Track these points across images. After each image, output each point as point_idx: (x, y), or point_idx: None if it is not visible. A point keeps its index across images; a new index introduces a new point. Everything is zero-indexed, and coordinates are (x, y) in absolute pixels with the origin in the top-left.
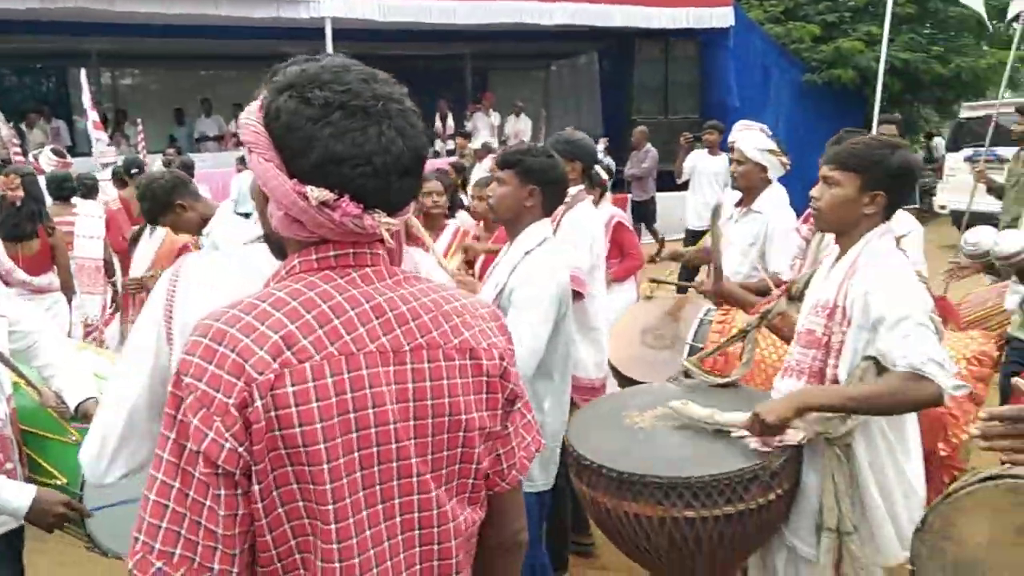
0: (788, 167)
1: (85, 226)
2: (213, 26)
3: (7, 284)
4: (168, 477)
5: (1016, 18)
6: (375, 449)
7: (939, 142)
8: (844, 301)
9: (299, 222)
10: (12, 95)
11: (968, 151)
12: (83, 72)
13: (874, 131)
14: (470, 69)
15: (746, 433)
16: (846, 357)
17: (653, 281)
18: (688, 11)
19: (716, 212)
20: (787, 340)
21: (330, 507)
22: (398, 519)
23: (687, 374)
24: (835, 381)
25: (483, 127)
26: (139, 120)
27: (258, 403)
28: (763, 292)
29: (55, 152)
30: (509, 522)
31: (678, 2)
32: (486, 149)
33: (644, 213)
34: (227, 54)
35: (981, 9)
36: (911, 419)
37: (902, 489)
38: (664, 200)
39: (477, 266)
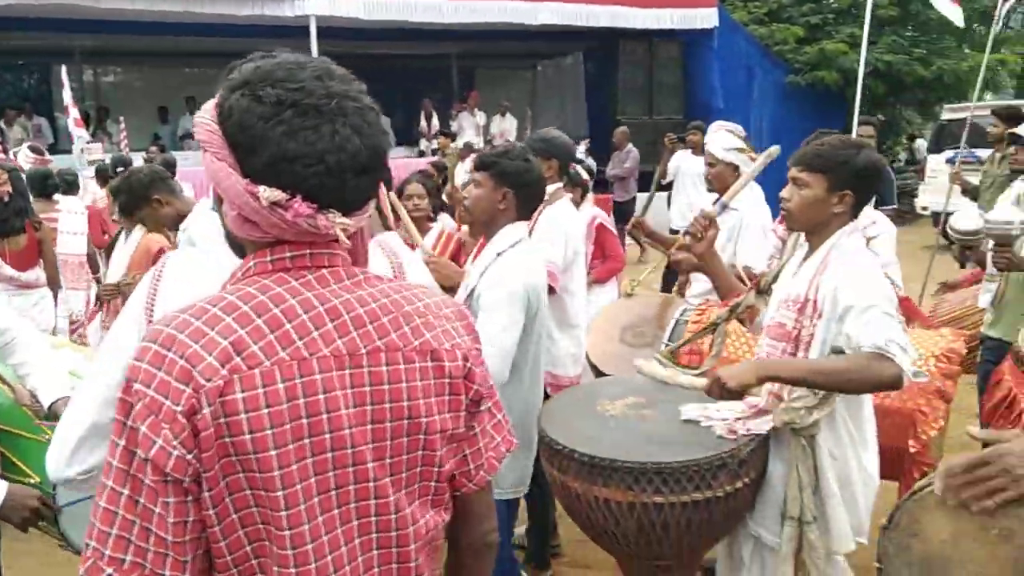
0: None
1: (68, 222)
2: (197, 24)
3: None
4: (117, 484)
5: (1010, 14)
6: (329, 454)
7: (921, 144)
8: (815, 295)
9: (253, 222)
10: None
11: (950, 153)
12: (63, 69)
13: (854, 132)
14: (456, 68)
15: (714, 420)
16: (815, 348)
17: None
18: (672, 12)
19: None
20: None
21: (283, 513)
22: (354, 523)
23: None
24: None
25: (468, 127)
26: (121, 118)
27: (206, 410)
28: (748, 276)
29: (32, 149)
30: (477, 523)
31: (662, 3)
32: (468, 148)
33: (626, 214)
34: (212, 52)
35: (955, 17)
36: (869, 410)
37: (861, 479)
38: (643, 199)
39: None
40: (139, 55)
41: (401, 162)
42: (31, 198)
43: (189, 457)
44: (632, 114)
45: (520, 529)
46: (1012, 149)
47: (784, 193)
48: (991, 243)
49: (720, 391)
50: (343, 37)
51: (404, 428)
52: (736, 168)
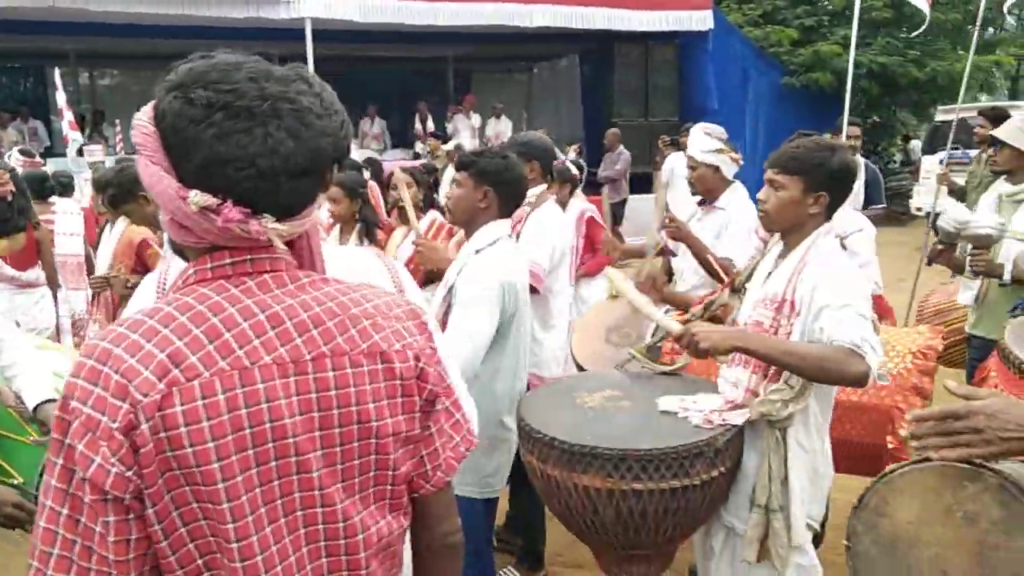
0: (740, 163)
1: (64, 223)
2: (193, 27)
3: None
4: (56, 503)
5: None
6: (274, 464)
7: (916, 145)
8: (793, 296)
9: (187, 228)
10: None
11: (943, 154)
12: (57, 72)
13: (844, 132)
14: (452, 71)
15: (690, 411)
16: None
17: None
18: (667, 14)
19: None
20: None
21: (230, 525)
22: (302, 532)
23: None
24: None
25: (464, 129)
26: (117, 121)
27: (144, 426)
28: (726, 270)
29: (23, 152)
30: (436, 524)
31: (658, 5)
32: (459, 151)
33: (618, 215)
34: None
35: (922, 5)
36: (831, 402)
37: (825, 470)
38: (635, 202)
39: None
40: (135, 58)
41: (397, 164)
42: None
43: (129, 474)
44: (627, 116)
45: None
46: (992, 151)
47: (761, 195)
48: (969, 246)
49: (690, 344)
50: (339, 40)
51: (354, 433)
52: (717, 169)
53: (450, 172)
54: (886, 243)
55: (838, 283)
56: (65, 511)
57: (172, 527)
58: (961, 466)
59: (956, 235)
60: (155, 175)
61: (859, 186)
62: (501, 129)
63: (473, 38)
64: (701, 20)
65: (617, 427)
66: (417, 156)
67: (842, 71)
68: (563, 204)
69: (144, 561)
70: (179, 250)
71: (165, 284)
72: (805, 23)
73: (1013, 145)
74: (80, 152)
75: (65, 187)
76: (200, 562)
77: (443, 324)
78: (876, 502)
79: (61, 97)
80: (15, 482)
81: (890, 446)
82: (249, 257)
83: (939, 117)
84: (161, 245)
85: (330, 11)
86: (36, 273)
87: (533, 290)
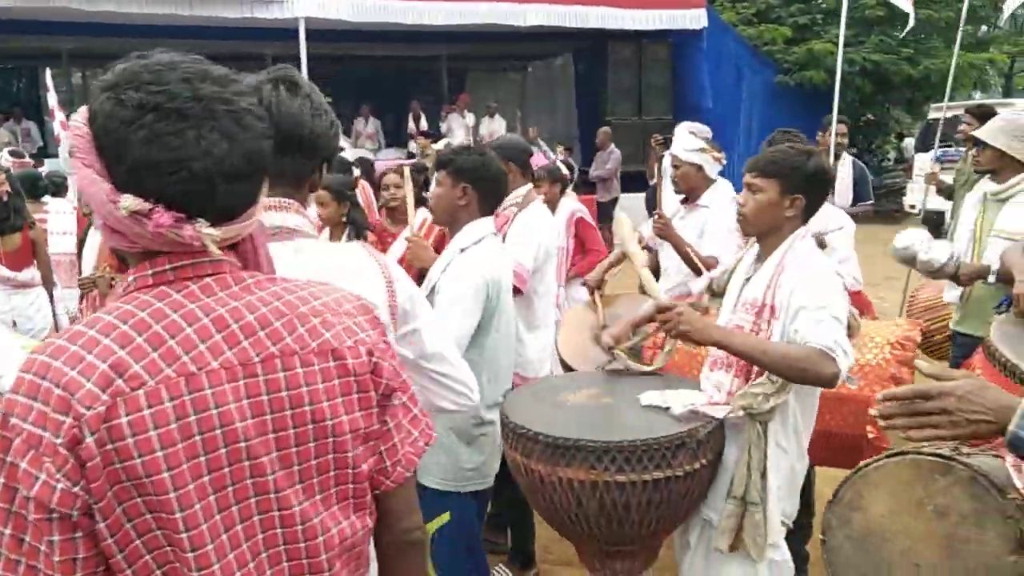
0: (723, 162)
1: (57, 222)
2: (187, 26)
3: None
4: None
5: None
6: (227, 470)
7: (909, 143)
8: (772, 300)
9: (120, 232)
10: None
11: (937, 151)
12: (48, 72)
13: (833, 129)
14: (446, 70)
15: (672, 404)
16: None
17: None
18: (661, 13)
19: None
20: None
21: (184, 535)
22: (260, 537)
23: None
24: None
25: (458, 128)
26: None
27: (89, 439)
28: (709, 267)
29: (13, 154)
30: (397, 521)
31: (651, 4)
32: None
33: (609, 214)
34: (201, 54)
35: (906, 7)
36: (816, 404)
37: (802, 467)
38: (626, 201)
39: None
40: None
41: (391, 164)
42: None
43: (76, 489)
44: (621, 115)
45: None
46: (974, 150)
47: (739, 199)
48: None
49: (670, 320)
50: (333, 39)
51: (310, 434)
52: (700, 168)
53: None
54: (879, 241)
55: (815, 285)
56: (8, 530)
57: (126, 540)
58: (933, 459)
59: (912, 262)
60: (87, 178)
61: (848, 183)
62: (495, 128)
63: (467, 37)
64: (695, 18)
65: (600, 420)
66: (411, 155)
67: (835, 69)
68: (553, 204)
69: None
70: (121, 256)
71: None
72: (799, 21)
73: (994, 145)
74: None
75: (58, 187)
76: (159, 573)
77: None
78: (851, 496)
79: (53, 98)
80: None
81: (870, 435)
82: (190, 261)
83: (932, 115)
84: None
85: (323, 10)
86: (31, 273)
87: (517, 291)
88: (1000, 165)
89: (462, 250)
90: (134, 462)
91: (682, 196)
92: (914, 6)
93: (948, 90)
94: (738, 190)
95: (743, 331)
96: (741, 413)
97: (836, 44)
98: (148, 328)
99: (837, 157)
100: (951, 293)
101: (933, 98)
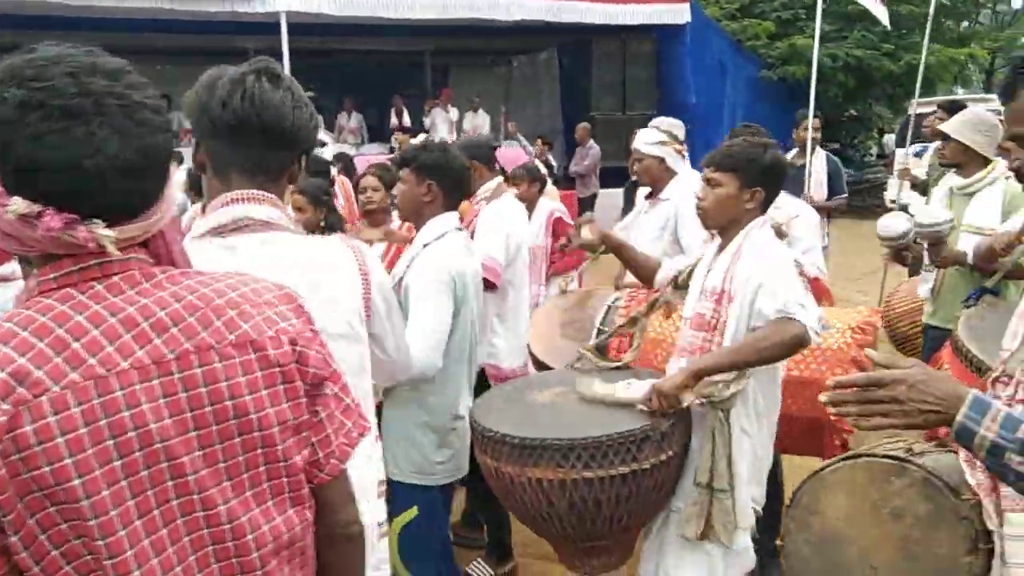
0: (684, 155)
1: None
2: (169, 20)
3: None
4: None
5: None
6: (145, 473)
7: (890, 138)
8: (730, 286)
9: (13, 236)
10: None
11: (917, 147)
12: None
13: (809, 123)
14: (430, 65)
15: (632, 387)
16: (729, 330)
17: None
18: (645, 8)
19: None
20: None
21: (100, 542)
22: (185, 540)
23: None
24: None
25: (442, 123)
26: None
27: None
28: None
29: None
30: (333, 513)
31: None
32: None
33: (588, 210)
34: (183, 49)
35: (882, 16)
36: (778, 387)
37: (766, 452)
38: (605, 197)
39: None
40: (109, 52)
41: (373, 159)
42: None
43: None
44: (606, 110)
45: None
46: (940, 144)
47: (699, 193)
48: (925, 243)
49: (660, 401)
50: (315, 33)
51: (234, 429)
52: (662, 161)
53: None
54: (862, 236)
55: (770, 265)
56: None
57: (42, 551)
58: (888, 461)
59: (905, 236)
60: None
61: (823, 177)
62: (479, 123)
63: (451, 31)
64: (679, 13)
65: (566, 418)
66: (393, 150)
67: (818, 64)
68: (532, 203)
69: None
70: (25, 259)
71: None
72: (782, 16)
73: (958, 139)
74: None
75: None
76: None
77: None
78: (807, 500)
79: None
80: None
81: (833, 418)
82: (96, 262)
83: (911, 110)
84: None
85: (305, 4)
86: (12, 267)
87: (491, 285)
88: (964, 159)
89: (425, 245)
90: (43, 471)
91: (647, 191)
92: (887, 5)
93: (918, 85)
94: None
95: (704, 319)
96: (703, 402)
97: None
98: (50, 333)
99: (812, 151)
100: (924, 287)
101: (914, 93)
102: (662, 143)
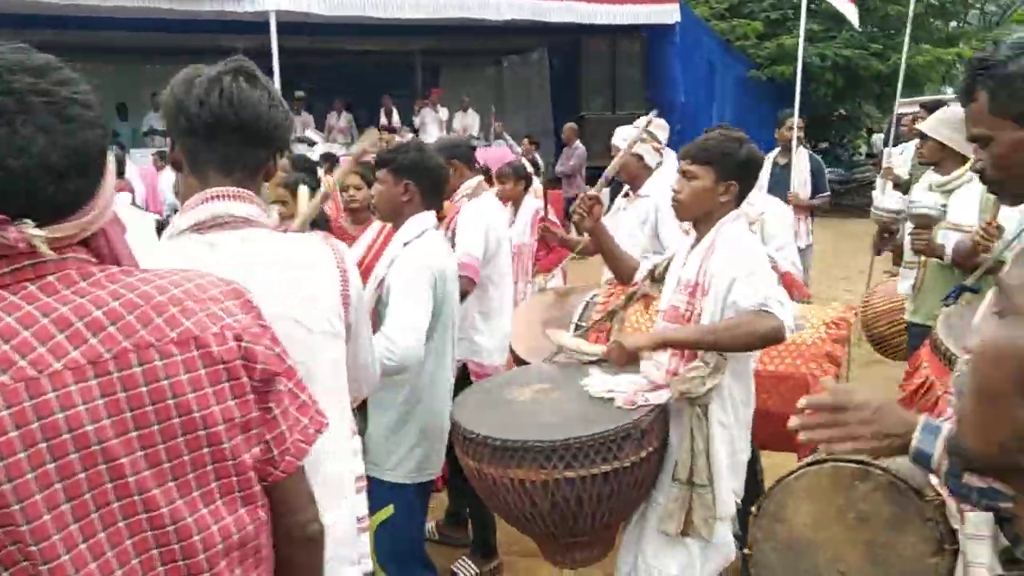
0: (662, 152)
1: None
2: (157, 19)
3: None
4: None
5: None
6: (82, 476)
7: (878, 138)
8: (703, 279)
9: None
10: None
11: (902, 146)
12: None
13: (795, 123)
14: (420, 64)
15: (616, 393)
16: (704, 322)
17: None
18: (635, 8)
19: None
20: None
21: (34, 547)
22: (128, 544)
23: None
24: None
25: (431, 122)
26: None
27: None
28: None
29: None
30: (291, 512)
31: None
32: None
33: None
34: (172, 48)
35: (851, 15)
36: (751, 379)
37: (744, 444)
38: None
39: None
40: (97, 51)
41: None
42: None
43: None
44: (595, 109)
45: (429, 524)
46: (918, 143)
47: (674, 186)
48: (910, 227)
49: (619, 353)
50: (304, 32)
51: (177, 428)
52: (640, 158)
53: None
54: (851, 235)
55: (743, 258)
56: None
57: None
58: (852, 466)
59: (895, 218)
60: None
61: (806, 176)
62: (468, 123)
63: (441, 31)
64: (668, 14)
65: (547, 418)
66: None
67: (807, 64)
68: (517, 202)
69: None
70: None
71: None
72: (770, 16)
73: (935, 138)
74: None
75: None
76: None
77: (372, 316)
78: (774, 508)
79: None
80: None
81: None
82: (29, 262)
83: (899, 110)
84: None
85: (294, 3)
86: None
87: (472, 283)
88: (941, 157)
89: (406, 243)
90: None
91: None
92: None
93: (900, 85)
94: None
95: (678, 311)
96: (680, 398)
97: (808, 39)
98: None
99: (795, 150)
100: (904, 284)
101: (902, 93)
102: (640, 140)
